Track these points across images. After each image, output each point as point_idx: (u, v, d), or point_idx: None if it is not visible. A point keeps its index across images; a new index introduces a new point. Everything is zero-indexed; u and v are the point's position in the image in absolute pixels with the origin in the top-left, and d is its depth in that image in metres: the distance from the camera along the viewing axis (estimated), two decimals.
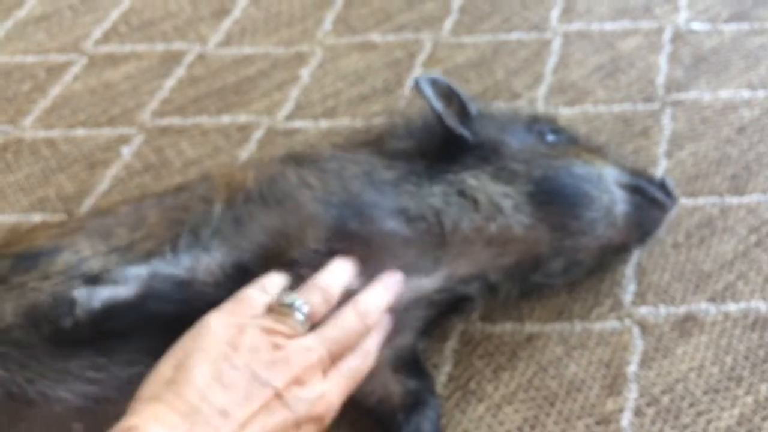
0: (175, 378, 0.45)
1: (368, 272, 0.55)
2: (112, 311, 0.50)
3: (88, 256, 0.54)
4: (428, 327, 0.60)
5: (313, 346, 0.49)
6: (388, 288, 0.55)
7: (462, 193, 0.58)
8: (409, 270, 0.56)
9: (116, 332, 0.50)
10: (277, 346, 0.48)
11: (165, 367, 0.46)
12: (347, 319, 0.52)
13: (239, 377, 0.46)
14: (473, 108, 0.63)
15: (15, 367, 0.50)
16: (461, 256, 0.57)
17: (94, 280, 0.51)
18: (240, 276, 0.52)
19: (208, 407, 0.44)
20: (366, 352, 0.52)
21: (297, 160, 0.61)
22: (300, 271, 0.53)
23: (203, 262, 0.52)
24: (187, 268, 0.51)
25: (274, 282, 0.52)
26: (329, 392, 0.49)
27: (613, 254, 0.63)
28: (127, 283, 0.50)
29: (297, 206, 0.55)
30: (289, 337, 0.49)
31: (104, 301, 0.49)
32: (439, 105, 0.61)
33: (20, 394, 0.49)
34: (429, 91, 0.61)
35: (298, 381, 0.48)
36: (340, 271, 0.54)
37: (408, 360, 0.57)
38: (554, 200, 0.58)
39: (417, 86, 0.62)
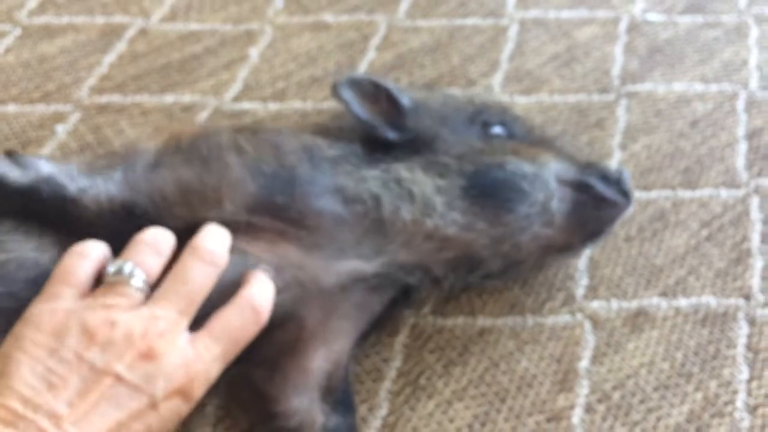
0: None
1: (305, 251, 0.52)
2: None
3: None
4: (366, 335, 0.57)
5: (158, 311, 0.44)
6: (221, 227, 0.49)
7: (399, 183, 0.56)
8: (348, 253, 0.53)
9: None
10: (113, 324, 0.43)
11: None
12: (189, 267, 0.46)
13: (69, 372, 0.42)
14: (405, 100, 0.61)
15: None
16: (404, 247, 0.55)
17: (15, 160, 0.51)
18: (126, 216, 0.50)
19: (33, 412, 0.40)
20: (246, 301, 0.46)
21: (239, 129, 0.59)
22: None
23: (95, 190, 0.50)
24: (79, 188, 0.50)
25: (93, 245, 0.47)
26: (194, 359, 0.44)
27: (555, 255, 0.61)
28: (27, 170, 0.50)
29: (221, 167, 0.52)
30: (128, 308, 0.44)
31: None
32: (361, 110, 0.59)
33: None
34: (349, 96, 0.59)
35: (146, 356, 0.43)
36: (162, 230, 0.48)
37: (337, 387, 0.54)
38: (486, 194, 0.56)
39: (336, 94, 0.59)
